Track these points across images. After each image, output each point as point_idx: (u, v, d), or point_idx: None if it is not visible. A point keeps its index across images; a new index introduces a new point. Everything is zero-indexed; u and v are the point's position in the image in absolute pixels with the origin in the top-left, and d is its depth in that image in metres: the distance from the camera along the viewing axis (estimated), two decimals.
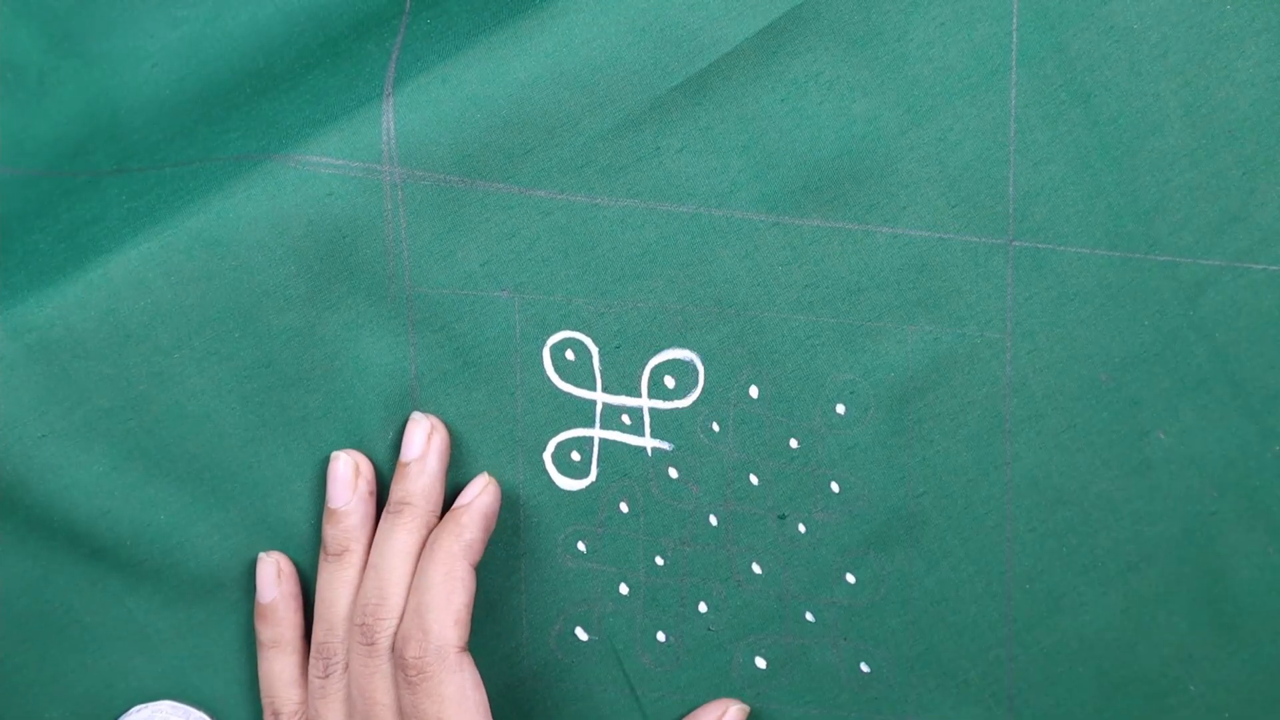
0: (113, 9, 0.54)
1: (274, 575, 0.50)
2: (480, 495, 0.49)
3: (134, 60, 0.54)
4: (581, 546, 0.51)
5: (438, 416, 0.50)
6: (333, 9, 0.53)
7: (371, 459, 0.50)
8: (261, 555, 0.50)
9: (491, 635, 0.51)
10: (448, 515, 0.49)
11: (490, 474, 0.50)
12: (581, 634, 0.52)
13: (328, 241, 0.48)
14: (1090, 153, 0.49)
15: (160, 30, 0.54)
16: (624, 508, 0.51)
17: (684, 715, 0.52)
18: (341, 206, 0.48)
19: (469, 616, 0.47)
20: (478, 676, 0.46)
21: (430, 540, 0.48)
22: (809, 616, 0.51)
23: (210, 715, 0.52)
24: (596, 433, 0.51)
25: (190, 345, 0.49)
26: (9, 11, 0.54)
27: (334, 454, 0.50)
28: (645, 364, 0.50)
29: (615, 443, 0.51)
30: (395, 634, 0.47)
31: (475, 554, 0.48)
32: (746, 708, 0.51)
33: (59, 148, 0.54)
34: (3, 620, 0.51)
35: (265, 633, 0.50)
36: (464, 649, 0.46)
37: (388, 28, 0.51)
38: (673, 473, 0.51)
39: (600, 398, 0.50)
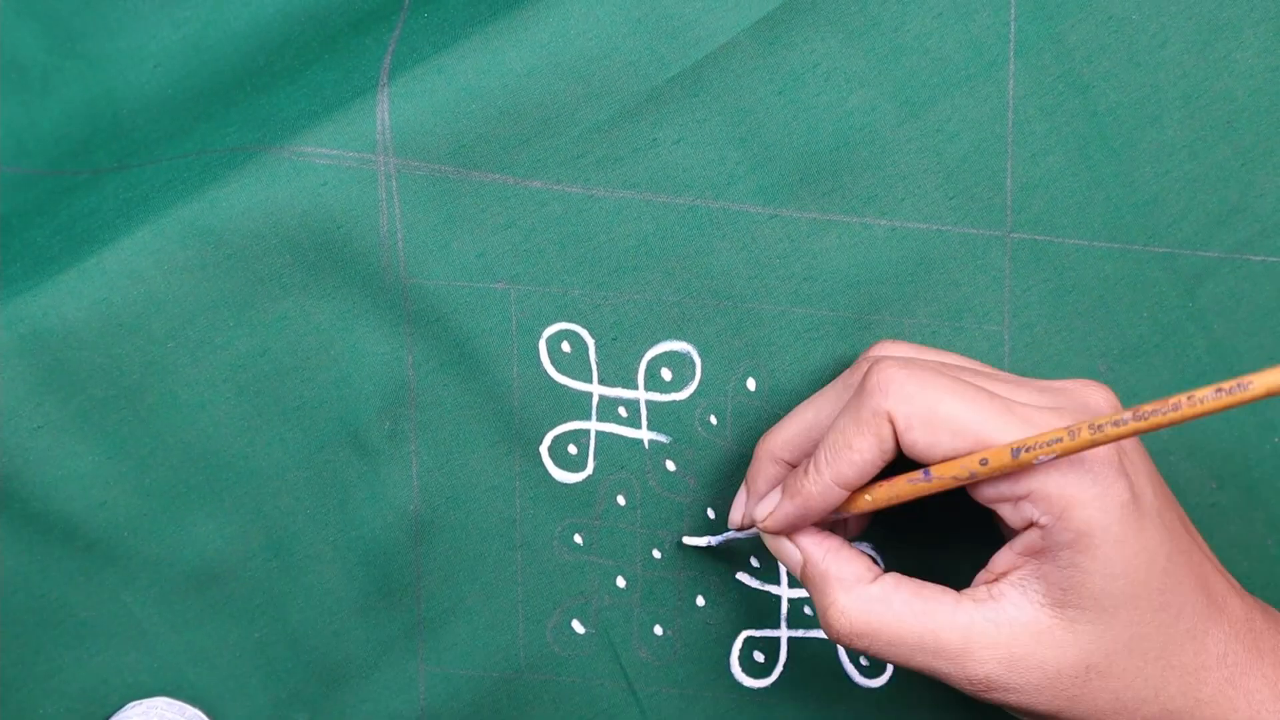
0: (115, 9, 0.54)
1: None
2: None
3: (136, 60, 0.54)
4: (578, 539, 0.51)
5: (435, 408, 0.50)
6: (333, 9, 0.53)
7: (366, 444, 0.50)
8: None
9: (487, 627, 0.51)
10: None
11: (487, 466, 0.50)
12: (578, 627, 0.51)
13: (322, 231, 0.48)
14: (1088, 144, 0.49)
15: (162, 31, 0.54)
16: (621, 500, 0.51)
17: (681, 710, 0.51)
18: (336, 197, 0.48)
19: None
20: None
21: None
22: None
23: (205, 712, 0.52)
24: (593, 425, 0.50)
25: (184, 335, 0.49)
26: (13, 12, 0.54)
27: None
28: (642, 356, 0.50)
29: (612, 435, 0.50)
30: None
31: None
32: None
33: (62, 147, 0.54)
34: None
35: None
36: None
37: (385, 24, 0.51)
38: (670, 465, 0.51)
39: (597, 390, 0.50)
